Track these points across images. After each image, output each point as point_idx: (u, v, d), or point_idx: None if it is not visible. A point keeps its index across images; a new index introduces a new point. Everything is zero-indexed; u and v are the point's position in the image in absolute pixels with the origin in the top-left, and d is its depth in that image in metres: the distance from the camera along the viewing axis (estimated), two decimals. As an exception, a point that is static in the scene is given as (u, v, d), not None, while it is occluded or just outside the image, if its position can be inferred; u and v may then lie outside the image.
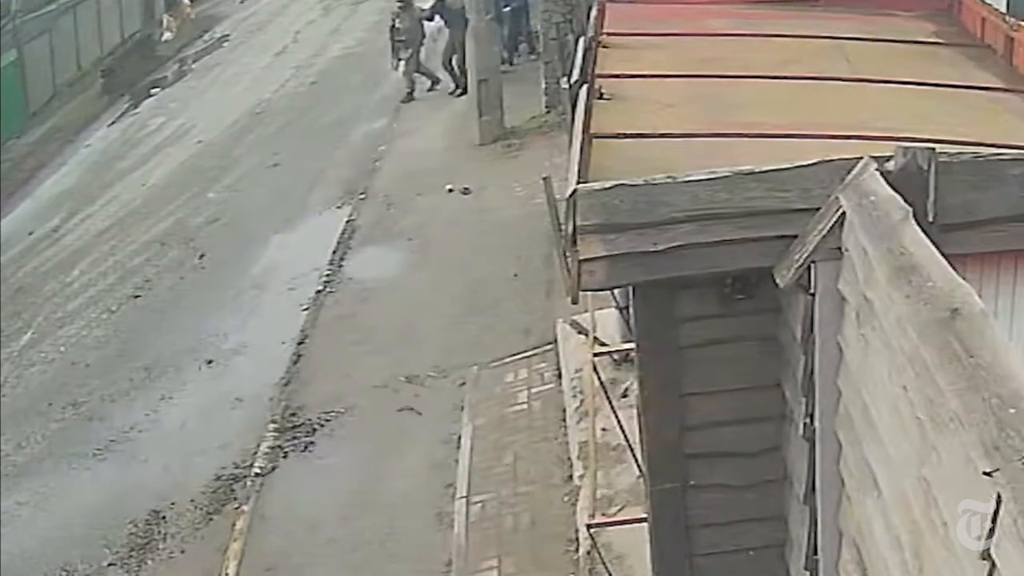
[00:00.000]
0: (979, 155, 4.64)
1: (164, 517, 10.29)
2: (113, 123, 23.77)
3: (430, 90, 20.24)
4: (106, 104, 24.97)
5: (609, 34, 7.71)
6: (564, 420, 10.19)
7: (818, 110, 6.36)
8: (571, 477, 9.44)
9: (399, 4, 20.18)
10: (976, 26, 7.69)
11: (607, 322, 9.96)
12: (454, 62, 19.65)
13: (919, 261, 3.69)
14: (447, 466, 10.12)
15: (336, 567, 9.30)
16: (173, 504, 10.42)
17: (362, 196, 16.60)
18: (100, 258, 17.04)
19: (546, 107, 17.43)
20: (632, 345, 6.45)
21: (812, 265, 4.55)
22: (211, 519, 10.18)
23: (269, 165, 18.77)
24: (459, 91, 19.46)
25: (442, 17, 19.80)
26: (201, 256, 15.88)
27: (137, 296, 15.18)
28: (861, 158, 4.50)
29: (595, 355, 8.73)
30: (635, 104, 6.53)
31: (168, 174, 19.70)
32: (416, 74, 20.21)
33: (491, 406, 10.88)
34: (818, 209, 4.57)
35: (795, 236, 4.64)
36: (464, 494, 9.67)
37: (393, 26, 20.06)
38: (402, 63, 20.10)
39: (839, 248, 4.44)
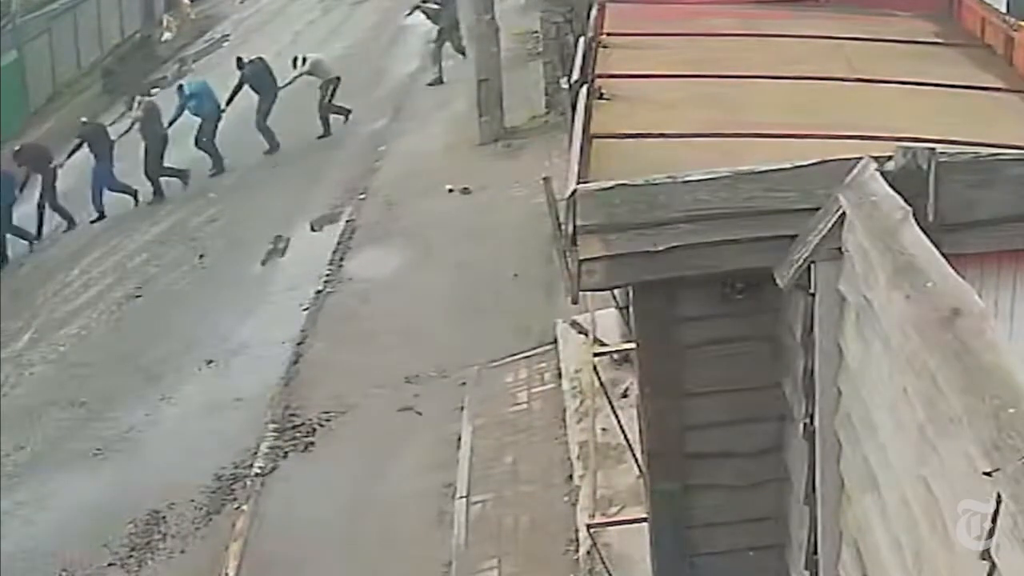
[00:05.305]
0: (979, 155, 4.64)
1: (164, 517, 10.28)
2: (113, 123, 23.74)
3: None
4: (106, 104, 24.96)
5: (609, 34, 7.71)
6: (564, 420, 10.18)
7: (818, 110, 6.35)
8: (571, 477, 9.43)
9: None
10: (976, 26, 7.68)
11: (607, 322, 9.96)
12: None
13: (919, 261, 3.68)
14: (447, 466, 10.10)
15: (336, 567, 9.29)
16: (173, 504, 10.41)
17: (362, 196, 16.60)
18: (100, 258, 17.05)
19: (546, 107, 17.42)
20: (632, 345, 6.45)
21: (812, 265, 4.55)
22: (211, 519, 10.17)
23: (269, 165, 18.77)
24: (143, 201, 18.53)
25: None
26: (201, 256, 15.89)
27: (137, 296, 15.20)
28: (861, 158, 4.50)
29: (595, 355, 8.72)
30: (635, 104, 6.53)
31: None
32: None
33: (491, 406, 10.87)
34: (818, 209, 4.57)
35: (795, 236, 4.64)
36: (464, 494, 9.66)
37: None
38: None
39: (839, 248, 4.44)
